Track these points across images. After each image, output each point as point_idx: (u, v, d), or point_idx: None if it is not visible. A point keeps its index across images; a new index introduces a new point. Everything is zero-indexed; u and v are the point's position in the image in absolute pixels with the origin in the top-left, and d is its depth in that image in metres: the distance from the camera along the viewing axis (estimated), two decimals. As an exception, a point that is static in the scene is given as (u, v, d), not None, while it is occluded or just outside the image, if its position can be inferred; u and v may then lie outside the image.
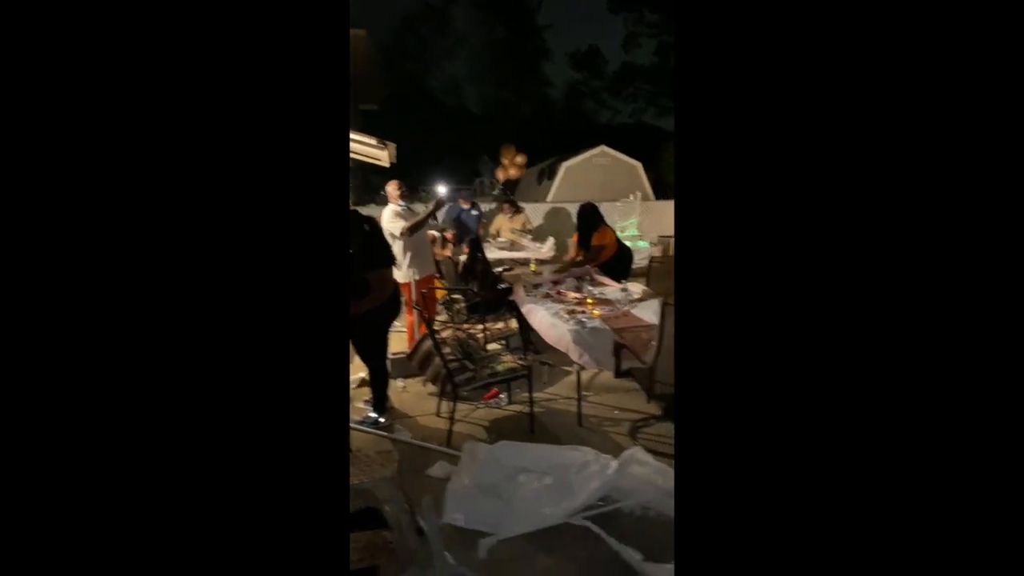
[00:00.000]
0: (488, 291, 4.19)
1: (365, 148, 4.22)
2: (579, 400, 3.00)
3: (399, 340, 4.38)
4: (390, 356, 3.64)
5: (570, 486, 2.16)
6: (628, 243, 5.20)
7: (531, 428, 2.88)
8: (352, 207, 3.45)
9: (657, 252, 7.34)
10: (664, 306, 2.50)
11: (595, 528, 1.97)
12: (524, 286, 3.87)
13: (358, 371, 3.40)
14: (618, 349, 2.92)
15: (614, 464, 2.21)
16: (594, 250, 4.25)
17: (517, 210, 6.40)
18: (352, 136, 4.01)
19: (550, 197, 9.10)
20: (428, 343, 2.92)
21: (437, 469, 2.48)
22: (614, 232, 4.43)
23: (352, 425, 2.93)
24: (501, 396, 3.28)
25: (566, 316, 3.05)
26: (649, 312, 3.07)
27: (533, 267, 4.78)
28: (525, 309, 3.56)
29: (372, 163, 4.69)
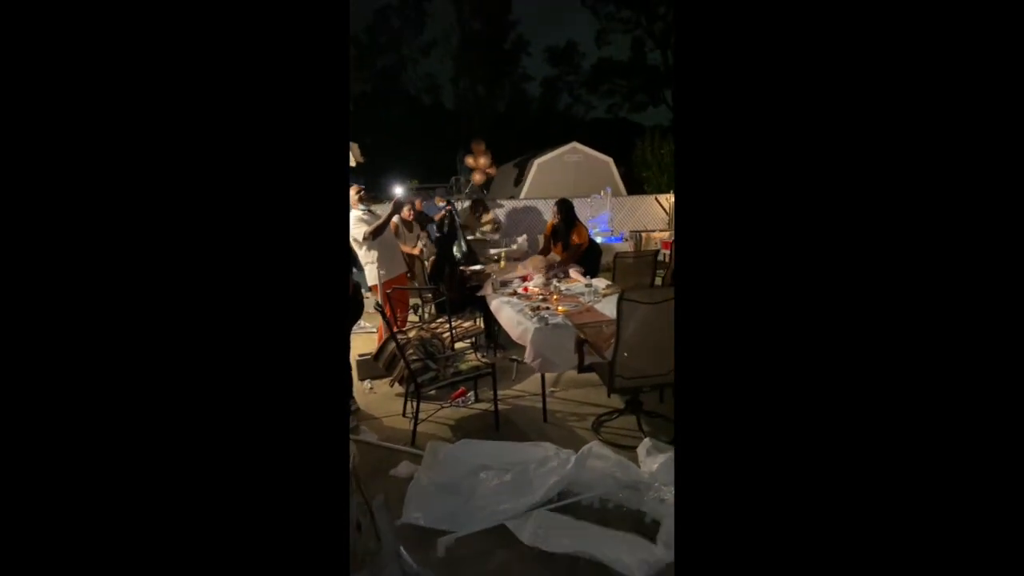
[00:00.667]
0: (455, 290, 4.20)
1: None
2: (543, 396, 3.03)
3: (368, 341, 4.36)
4: (357, 358, 3.62)
5: (530, 482, 2.18)
6: (599, 238, 5.25)
7: (496, 425, 2.91)
8: None
9: (629, 247, 7.43)
10: (621, 301, 2.54)
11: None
12: (492, 284, 3.89)
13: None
14: (580, 344, 2.96)
15: (573, 459, 2.24)
16: (574, 248, 4.29)
17: (485, 209, 6.42)
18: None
19: (523, 194, 9.12)
20: (393, 344, 2.91)
21: (401, 469, 2.49)
22: (586, 228, 4.49)
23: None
24: (468, 395, 3.30)
25: (530, 313, 3.08)
26: (612, 307, 3.12)
27: (502, 264, 4.80)
28: (493, 306, 3.58)
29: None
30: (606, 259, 5.06)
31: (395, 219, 4.09)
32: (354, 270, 2.97)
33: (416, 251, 4.82)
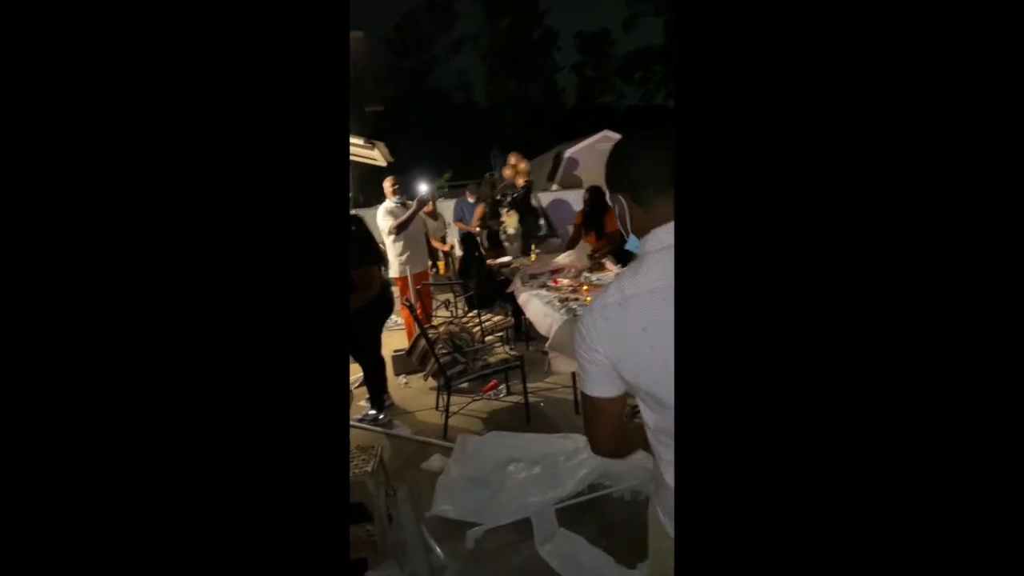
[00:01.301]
0: (484, 284, 4.20)
1: (355, 149, 4.26)
2: (575, 388, 2.99)
3: (401, 337, 4.42)
4: (392, 353, 3.68)
5: (559, 474, 2.16)
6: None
7: (527, 417, 2.89)
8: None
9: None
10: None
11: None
12: (522, 277, 3.87)
13: (355, 371, 3.45)
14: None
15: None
16: (609, 236, 4.18)
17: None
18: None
19: (555, 185, 9.04)
20: (424, 340, 2.94)
21: (433, 462, 2.51)
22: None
23: (351, 423, 2.98)
24: (500, 387, 3.30)
25: (558, 304, 3.04)
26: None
27: (533, 257, 4.77)
28: (522, 300, 3.56)
29: (370, 163, 4.73)
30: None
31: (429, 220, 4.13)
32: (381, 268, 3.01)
33: (447, 247, 4.86)
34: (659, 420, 0.89)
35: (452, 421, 2.87)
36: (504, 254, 4.85)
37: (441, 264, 6.21)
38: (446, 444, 2.66)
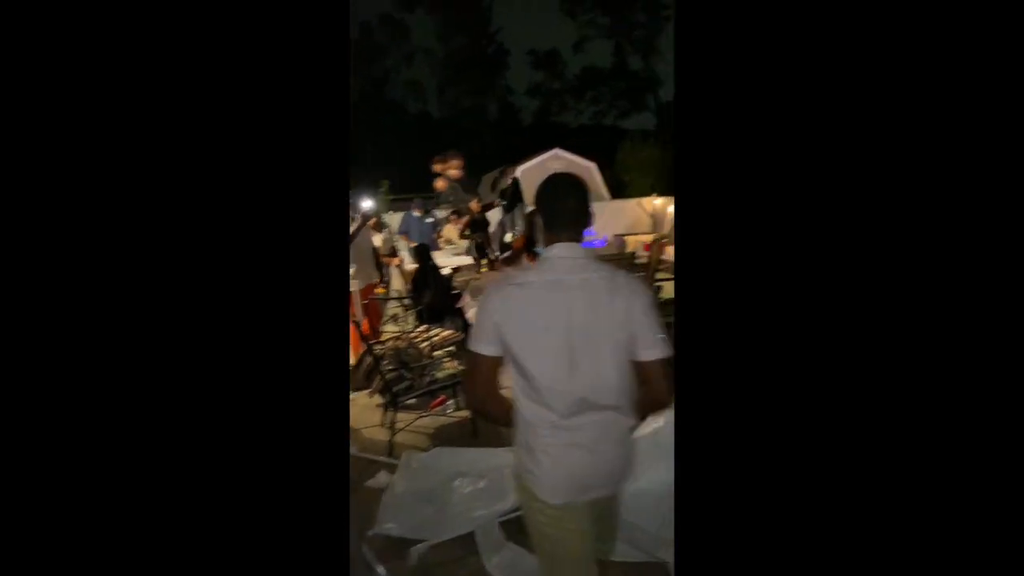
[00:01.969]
0: (435, 298, 4.21)
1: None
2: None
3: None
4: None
5: (505, 487, 2.19)
6: (584, 242, 5.22)
7: (474, 432, 2.91)
8: None
9: (613, 251, 7.47)
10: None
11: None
12: (472, 291, 3.90)
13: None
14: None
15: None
16: None
17: (461, 216, 6.45)
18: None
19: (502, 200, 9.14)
20: (370, 356, 2.92)
21: (378, 480, 2.48)
22: None
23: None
24: (449, 403, 3.30)
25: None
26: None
27: (484, 269, 4.81)
28: (470, 315, 3.59)
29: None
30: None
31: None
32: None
33: (396, 261, 4.84)
34: (524, 386, 1.13)
35: (399, 438, 2.85)
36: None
37: (398, 281, 6.14)
38: (392, 461, 2.64)
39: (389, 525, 2.05)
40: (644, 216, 9.13)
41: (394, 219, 6.57)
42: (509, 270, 4.19)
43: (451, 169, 4.97)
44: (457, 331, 4.02)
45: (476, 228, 5.20)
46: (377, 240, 5.17)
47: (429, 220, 6.05)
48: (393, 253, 5.79)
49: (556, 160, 9.53)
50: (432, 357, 3.19)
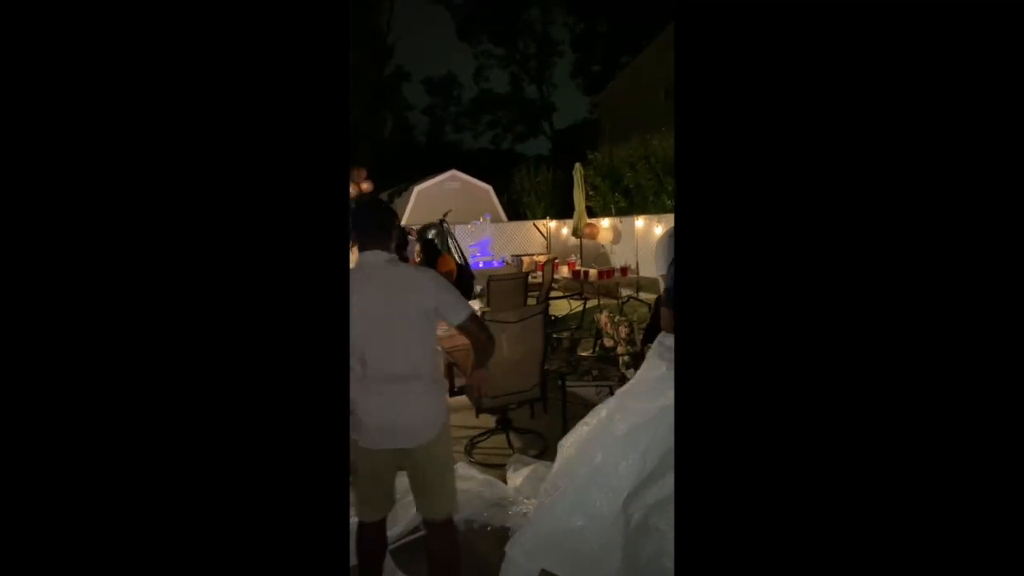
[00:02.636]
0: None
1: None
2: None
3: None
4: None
5: (394, 514, 2.12)
6: (480, 263, 5.31)
7: (365, 458, 2.80)
8: None
9: (510, 271, 7.66)
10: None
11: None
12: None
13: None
14: (450, 368, 2.97)
15: (439, 483, 2.22)
16: (444, 276, 4.34)
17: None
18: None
19: (404, 221, 9.04)
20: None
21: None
22: (452, 256, 4.57)
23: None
24: (338, 429, 3.14)
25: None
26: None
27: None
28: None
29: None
30: (481, 284, 5.17)
31: None
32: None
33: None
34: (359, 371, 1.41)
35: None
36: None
37: None
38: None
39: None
40: (539, 238, 9.49)
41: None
42: None
43: (363, 183, 4.91)
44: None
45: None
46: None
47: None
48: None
49: (453, 181, 9.63)
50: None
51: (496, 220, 9.36)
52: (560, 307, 6.03)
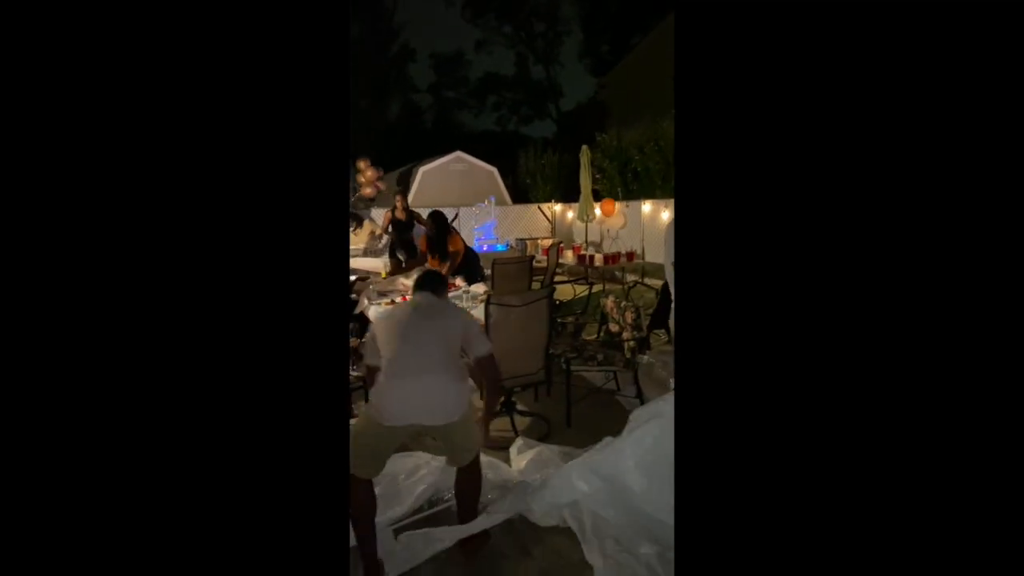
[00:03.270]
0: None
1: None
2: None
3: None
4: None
5: (398, 493, 2.15)
6: (485, 246, 5.28)
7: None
8: None
9: (514, 254, 7.63)
10: (489, 305, 2.60)
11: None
12: (368, 295, 3.78)
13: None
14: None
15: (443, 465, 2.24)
16: (451, 256, 4.32)
17: (359, 222, 6.38)
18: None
19: (409, 201, 9.01)
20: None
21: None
22: (461, 236, 4.55)
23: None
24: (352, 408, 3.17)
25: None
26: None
27: (384, 274, 4.69)
28: (372, 317, 3.48)
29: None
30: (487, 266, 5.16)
31: None
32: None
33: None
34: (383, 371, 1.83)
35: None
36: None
37: None
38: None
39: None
40: (544, 222, 9.43)
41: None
42: (402, 278, 4.16)
43: (378, 182, 4.92)
44: (355, 337, 3.87)
45: (398, 228, 5.17)
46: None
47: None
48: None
49: (458, 162, 9.55)
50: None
51: (501, 203, 9.30)
52: (565, 292, 6.02)
